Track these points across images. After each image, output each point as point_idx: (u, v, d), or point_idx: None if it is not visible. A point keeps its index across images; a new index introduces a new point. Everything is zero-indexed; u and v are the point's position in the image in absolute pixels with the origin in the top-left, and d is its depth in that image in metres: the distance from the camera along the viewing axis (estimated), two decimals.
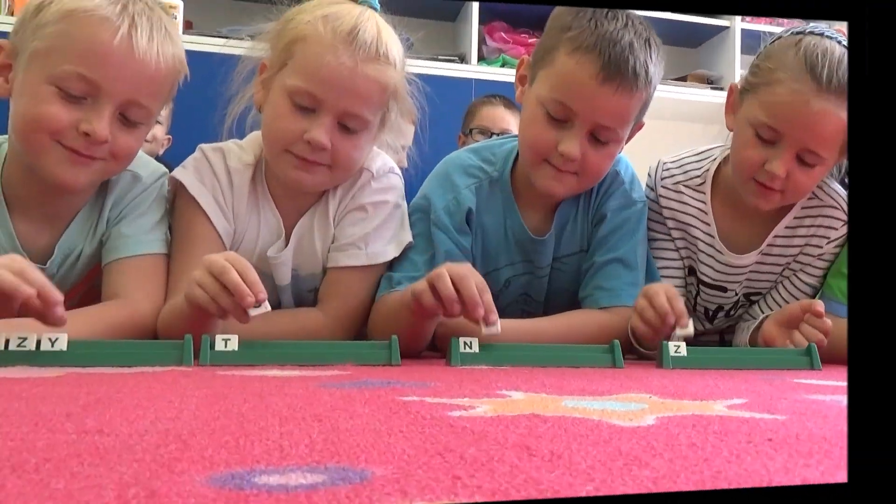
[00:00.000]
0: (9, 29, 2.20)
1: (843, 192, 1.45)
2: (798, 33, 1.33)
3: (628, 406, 0.67)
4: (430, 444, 0.46)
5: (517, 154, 1.39)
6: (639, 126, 1.35)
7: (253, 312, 0.99)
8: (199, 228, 1.24)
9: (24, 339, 0.94)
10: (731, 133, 1.40)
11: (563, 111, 1.26)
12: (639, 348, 1.27)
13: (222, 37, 2.61)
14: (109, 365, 0.95)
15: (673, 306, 1.18)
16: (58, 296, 0.93)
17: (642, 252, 1.40)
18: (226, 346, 1.02)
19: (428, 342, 1.23)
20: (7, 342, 0.93)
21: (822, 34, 1.31)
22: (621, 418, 0.59)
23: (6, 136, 1.20)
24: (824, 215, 1.43)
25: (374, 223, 1.29)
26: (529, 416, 0.59)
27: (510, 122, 2.36)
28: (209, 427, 0.51)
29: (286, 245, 1.29)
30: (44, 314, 0.93)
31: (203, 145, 1.30)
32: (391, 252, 1.29)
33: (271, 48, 1.24)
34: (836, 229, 1.43)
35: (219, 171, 1.27)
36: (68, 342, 0.95)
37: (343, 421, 0.54)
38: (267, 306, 1.00)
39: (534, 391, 0.76)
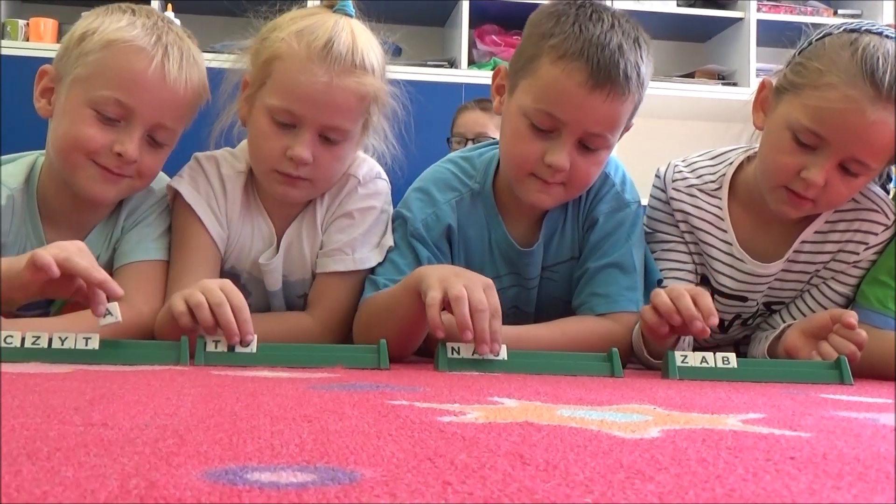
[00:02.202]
0: (25, 53, 2.27)
1: (885, 195, 1.34)
2: (853, 31, 1.21)
3: (630, 417, 0.63)
4: (420, 449, 0.46)
5: (499, 163, 1.35)
6: (627, 128, 1.29)
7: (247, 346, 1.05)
8: (195, 235, 1.27)
9: (38, 337, 1.01)
10: (756, 132, 1.31)
11: (550, 121, 1.20)
12: (646, 358, 1.23)
13: (215, 52, 2.63)
14: (113, 363, 1.00)
15: (699, 303, 1.10)
16: (119, 291, 1.02)
17: (639, 255, 1.34)
18: (216, 347, 1.05)
19: (422, 340, 1.24)
20: (23, 339, 1.00)
21: (881, 33, 1.20)
22: (622, 430, 0.56)
23: (41, 151, 1.28)
24: (862, 219, 1.32)
25: (360, 229, 1.30)
26: (523, 424, 0.58)
27: (486, 125, 2.31)
28: (204, 424, 0.53)
29: (276, 252, 1.31)
30: (95, 301, 1.02)
31: (197, 154, 1.33)
32: (377, 257, 1.31)
33: (251, 65, 1.26)
34: (877, 235, 1.32)
35: (213, 179, 1.30)
36: (76, 340, 1.02)
37: (332, 423, 0.56)
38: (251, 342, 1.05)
39: (527, 399, 0.75)
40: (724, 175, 1.36)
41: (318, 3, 1.35)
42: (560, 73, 1.18)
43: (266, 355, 1.05)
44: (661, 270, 1.38)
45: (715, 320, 1.10)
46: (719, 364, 1.10)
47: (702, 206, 1.36)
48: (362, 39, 1.23)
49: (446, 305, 1.06)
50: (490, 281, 1.11)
